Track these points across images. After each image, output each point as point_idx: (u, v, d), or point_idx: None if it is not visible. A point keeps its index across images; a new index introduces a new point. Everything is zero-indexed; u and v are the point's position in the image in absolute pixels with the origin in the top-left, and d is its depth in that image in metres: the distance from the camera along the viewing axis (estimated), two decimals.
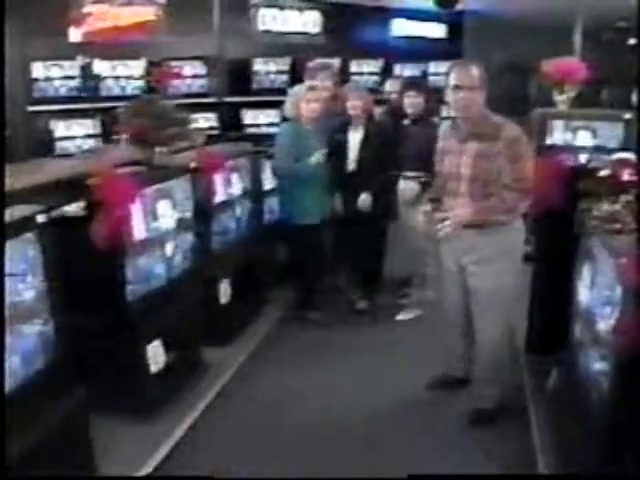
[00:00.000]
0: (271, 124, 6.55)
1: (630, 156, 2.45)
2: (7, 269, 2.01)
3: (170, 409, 2.95)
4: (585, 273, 2.45)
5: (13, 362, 2.06)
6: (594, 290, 2.30)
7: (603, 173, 2.44)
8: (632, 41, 7.13)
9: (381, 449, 2.75)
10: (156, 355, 2.92)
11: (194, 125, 5.52)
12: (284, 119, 4.22)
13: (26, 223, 2.12)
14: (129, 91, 6.13)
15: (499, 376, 2.89)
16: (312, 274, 4.11)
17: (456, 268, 2.87)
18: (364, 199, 3.93)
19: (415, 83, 4.02)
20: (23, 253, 2.11)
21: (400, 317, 4.11)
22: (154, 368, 2.91)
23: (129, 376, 2.82)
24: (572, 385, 2.51)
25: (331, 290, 4.39)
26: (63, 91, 5.88)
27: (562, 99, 3.90)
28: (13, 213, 2.12)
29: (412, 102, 3.88)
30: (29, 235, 2.12)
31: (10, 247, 2.04)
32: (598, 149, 3.41)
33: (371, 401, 3.14)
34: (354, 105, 3.96)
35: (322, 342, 3.79)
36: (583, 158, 3.44)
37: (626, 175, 2.33)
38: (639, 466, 1.94)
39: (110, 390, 2.72)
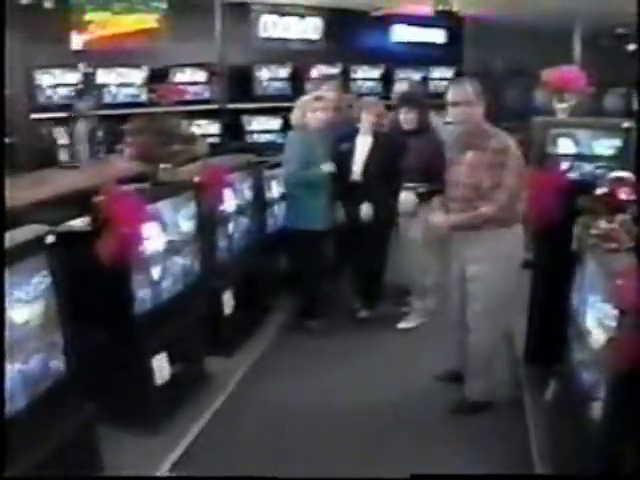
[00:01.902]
0: (273, 131, 6.61)
1: (628, 175, 2.49)
2: (17, 291, 2.07)
3: (176, 420, 2.99)
4: (582, 290, 2.50)
5: (24, 381, 2.12)
6: (590, 307, 2.34)
7: (600, 191, 2.48)
8: (631, 47, 7.15)
9: (386, 455, 2.82)
10: (161, 367, 2.96)
11: (197, 132, 5.63)
12: (286, 125, 4.27)
13: (36, 245, 2.17)
14: (131, 98, 6.18)
15: (489, 371, 3.09)
16: (314, 282, 4.16)
17: (459, 271, 3.07)
18: (366, 210, 3.99)
19: (407, 99, 4.02)
20: (33, 274, 2.16)
21: (402, 326, 4.16)
22: (159, 380, 2.95)
23: (135, 389, 2.86)
24: (570, 397, 2.56)
25: (333, 299, 4.44)
26: (65, 99, 5.92)
27: (562, 107, 3.92)
28: (23, 234, 2.18)
29: (405, 118, 3.92)
30: (39, 257, 2.17)
31: (20, 269, 2.09)
32: (597, 158, 3.43)
33: (373, 408, 3.19)
34: (368, 118, 4.01)
35: (325, 351, 3.84)
36: (581, 167, 3.47)
37: (623, 194, 2.37)
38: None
39: (117, 402, 2.76)
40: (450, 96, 2.93)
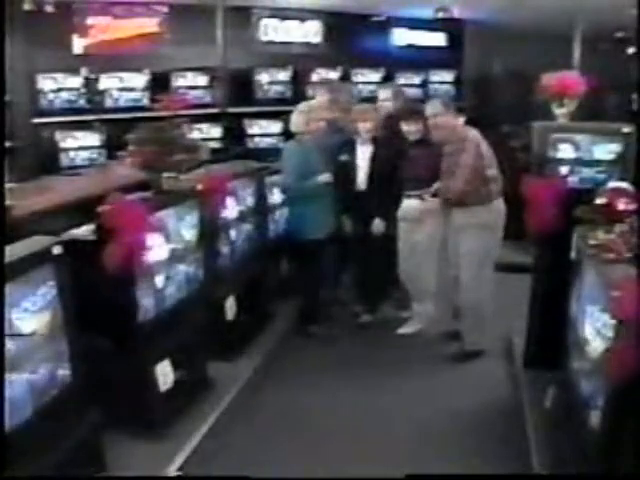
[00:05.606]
0: (274, 134, 6.64)
1: (626, 185, 2.52)
2: (24, 302, 2.10)
3: (180, 426, 3.01)
4: (581, 299, 2.53)
5: (32, 390, 2.15)
6: (589, 316, 2.37)
7: (599, 201, 2.50)
8: (631, 50, 7.17)
9: (387, 455, 2.88)
10: (165, 374, 2.99)
11: (198, 136, 5.64)
12: (286, 128, 4.28)
13: (43, 256, 2.20)
14: (132, 103, 6.20)
15: (479, 321, 3.76)
16: (314, 288, 4.19)
17: (453, 237, 3.76)
18: (377, 224, 4.03)
19: (414, 110, 4.03)
20: (40, 285, 2.19)
21: (402, 331, 4.19)
22: (163, 387, 2.98)
23: (139, 395, 2.89)
24: (569, 405, 2.59)
25: (335, 304, 4.47)
26: (67, 103, 5.94)
27: (562, 112, 3.93)
28: (31, 245, 2.21)
29: (409, 129, 3.93)
30: (46, 268, 2.20)
31: (27, 280, 2.12)
32: (597, 163, 3.45)
33: (374, 410, 3.25)
34: (365, 127, 4.03)
35: (326, 356, 3.89)
36: (581, 172, 3.48)
37: (621, 204, 2.40)
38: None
39: (121, 409, 2.79)
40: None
